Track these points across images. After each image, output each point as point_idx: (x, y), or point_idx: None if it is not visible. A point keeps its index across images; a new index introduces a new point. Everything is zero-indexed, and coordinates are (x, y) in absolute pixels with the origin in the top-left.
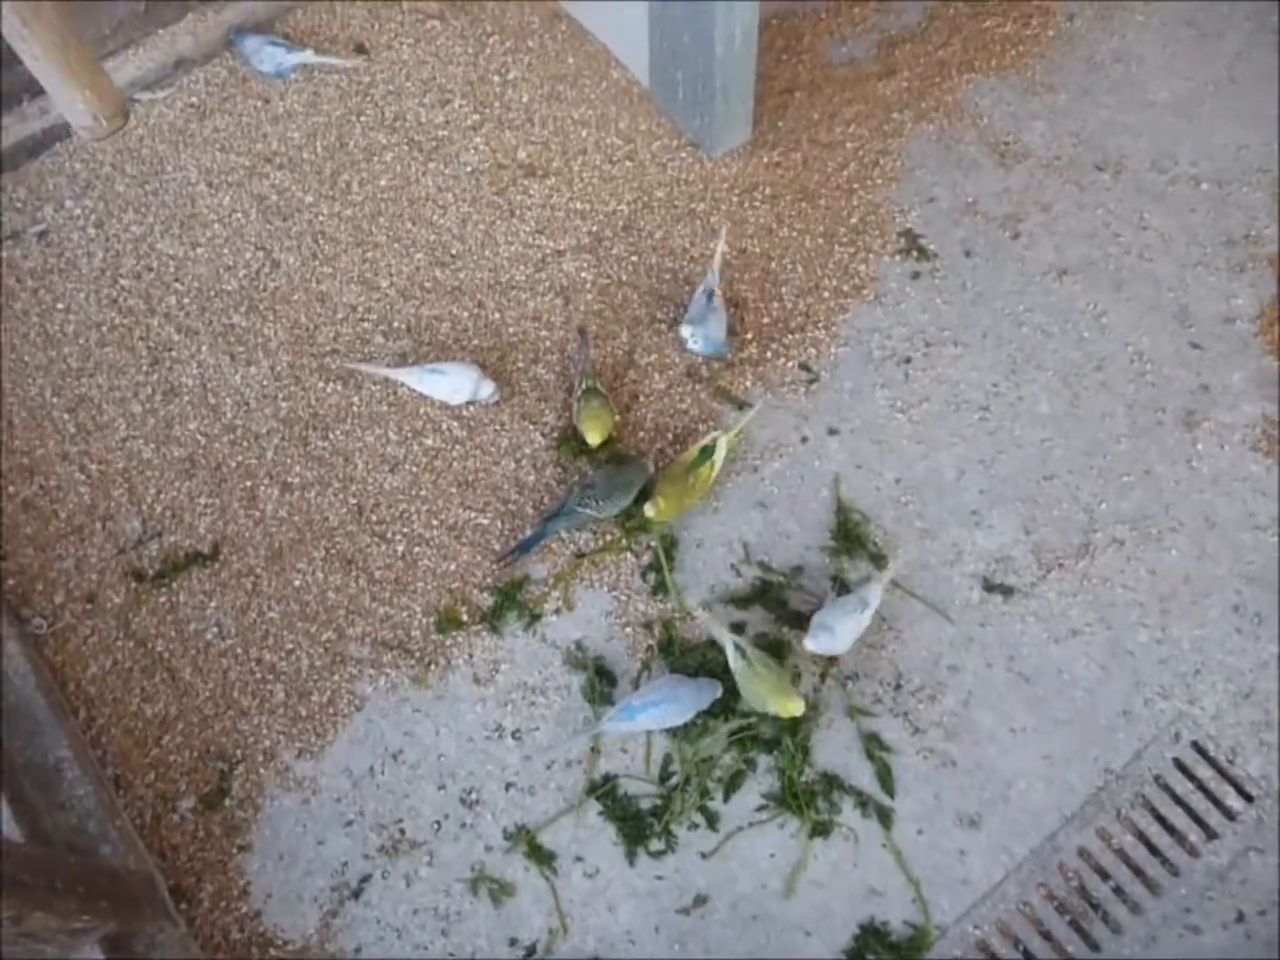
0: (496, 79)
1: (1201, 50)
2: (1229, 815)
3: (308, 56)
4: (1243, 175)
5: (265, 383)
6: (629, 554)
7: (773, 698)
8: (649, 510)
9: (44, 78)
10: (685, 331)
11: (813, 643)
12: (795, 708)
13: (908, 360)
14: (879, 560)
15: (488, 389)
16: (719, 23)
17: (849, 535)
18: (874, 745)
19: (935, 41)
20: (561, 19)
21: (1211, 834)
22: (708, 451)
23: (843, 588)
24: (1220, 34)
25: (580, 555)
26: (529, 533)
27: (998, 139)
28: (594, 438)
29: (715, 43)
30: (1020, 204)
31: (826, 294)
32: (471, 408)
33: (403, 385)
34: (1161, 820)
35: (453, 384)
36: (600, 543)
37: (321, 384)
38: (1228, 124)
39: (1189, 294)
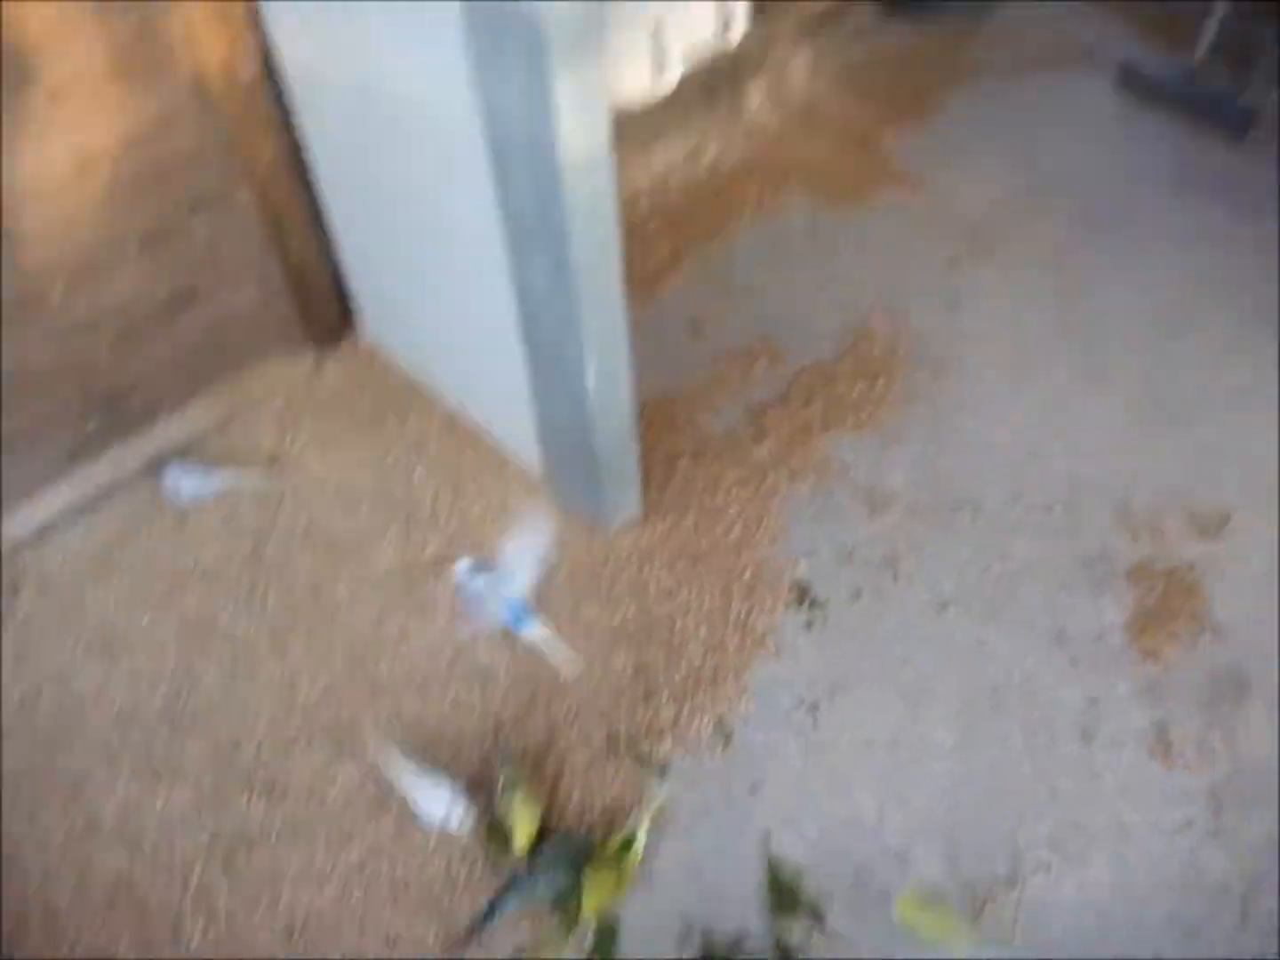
0: (401, 483)
1: (1024, 392)
2: None
3: (226, 479)
4: (1085, 498)
5: (186, 806)
6: (567, 948)
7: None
8: (585, 912)
9: None
10: (461, 565)
11: None
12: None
13: (815, 707)
14: (818, 914)
15: (457, 816)
16: (596, 416)
17: (783, 893)
18: None
19: (796, 404)
20: (456, 425)
21: None
22: (629, 844)
23: (785, 951)
24: (1036, 376)
25: (518, 956)
26: (480, 910)
27: (865, 489)
28: (518, 840)
29: (595, 434)
30: (894, 546)
31: (731, 650)
32: (396, 808)
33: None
34: None
35: (428, 799)
36: (537, 937)
37: (245, 801)
38: (1062, 454)
39: (1061, 615)
